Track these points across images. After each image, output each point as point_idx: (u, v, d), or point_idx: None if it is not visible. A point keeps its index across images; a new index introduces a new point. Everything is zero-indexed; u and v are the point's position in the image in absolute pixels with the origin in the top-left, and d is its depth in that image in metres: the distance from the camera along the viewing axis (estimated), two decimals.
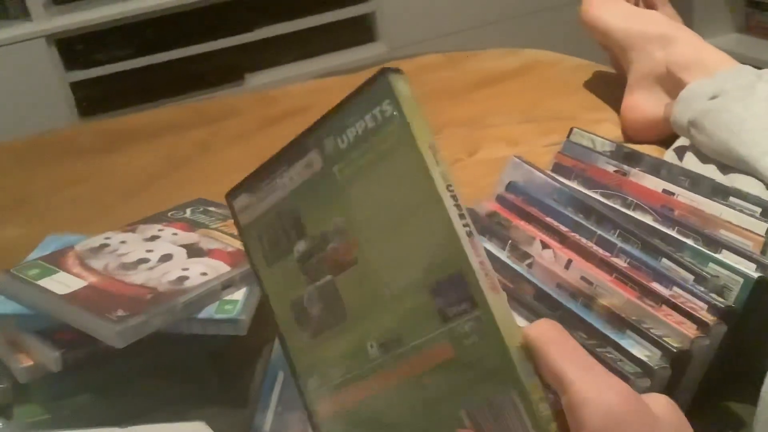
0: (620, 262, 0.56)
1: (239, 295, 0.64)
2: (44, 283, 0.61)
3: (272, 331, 0.67)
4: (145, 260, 0.65)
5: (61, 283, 0.61)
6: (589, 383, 0.31)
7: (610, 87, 1.02)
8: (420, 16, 1.97)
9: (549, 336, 0.33)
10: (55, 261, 0.64)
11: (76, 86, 1.83)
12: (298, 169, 0.39)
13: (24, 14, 1.80)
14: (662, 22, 0.93)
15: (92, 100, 1.85)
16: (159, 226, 0.71)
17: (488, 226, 0.61)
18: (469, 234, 0.34)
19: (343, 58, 1.93)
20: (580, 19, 0.98)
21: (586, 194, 0.63)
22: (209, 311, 0.62)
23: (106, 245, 0.68)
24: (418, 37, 1.95)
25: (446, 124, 0.99)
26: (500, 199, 0.64)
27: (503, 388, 0.32)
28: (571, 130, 0.72)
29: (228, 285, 0.64)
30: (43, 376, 0.61)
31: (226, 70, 1.91)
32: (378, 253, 0.36)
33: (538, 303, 0.54)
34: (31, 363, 0.61)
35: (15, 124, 1.74)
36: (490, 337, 0.33)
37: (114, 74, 1.85)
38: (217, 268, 0.65)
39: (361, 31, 1.98)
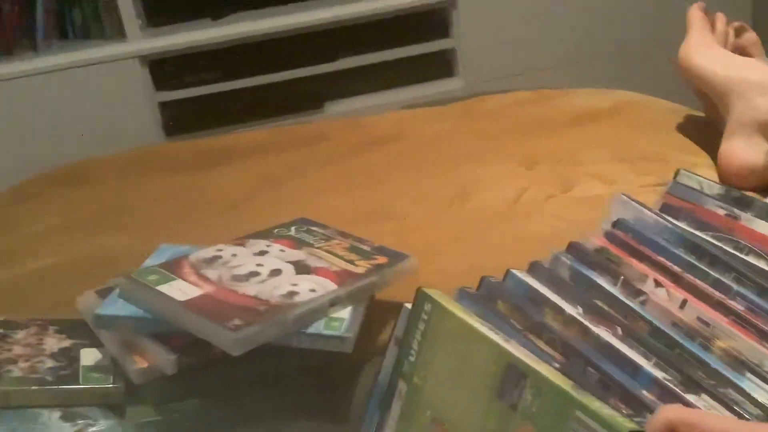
0: (737, 305, 0.55)
1: (345, 313, 0.66)
2: (163, 289, 0.64)
3: (371, 351, 0.68)
4: (255, 273, 0.68)
5: (179, 290, 0.64)
6: None
7: (703, 131, 1.02)
8: (499, 54, 1.99)
9: (696, 413, 0.37)
10: (172, 269, 0.67)
11: (163, 106, 1.90)
12: (395, 406, 0.54)
13: (120, 34, 1.89)
14: (763, 70, 0.93)
15: (177, 120, 1.92)
16: (266, 242, 0.74)
17: (598, 261, 0.61)
18: (506, 340, 0.47)
19: (421, 92, 1.96)
20: (679, 65, 0.98)
21: (698, 236, 0.63)
22: (317, 327, 0.64)
23: (218, 257, 0.70)
24: (496, 74, 1.97)
25: (538, 159, 1.00)
26: (609, 236, 0.64)
27: (569, 413, 0.40)
28: (678, 171, 0.72)
29: (335, 303, 0.66)
30: (155, 379, 0.63)
31: (306, 98, 1.96)
32: (459, 411, 0.48)
33: (655, 341, 0.54)
34: (145, 365, 0.63)
35: (104, 139, 1.81)
36: (543, 388, 0.42)
37: (197, 96, 1.91)
38: (325, 285, 0.67)
39: (439, 65, 2.01)
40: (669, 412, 0.39)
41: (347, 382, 0.68)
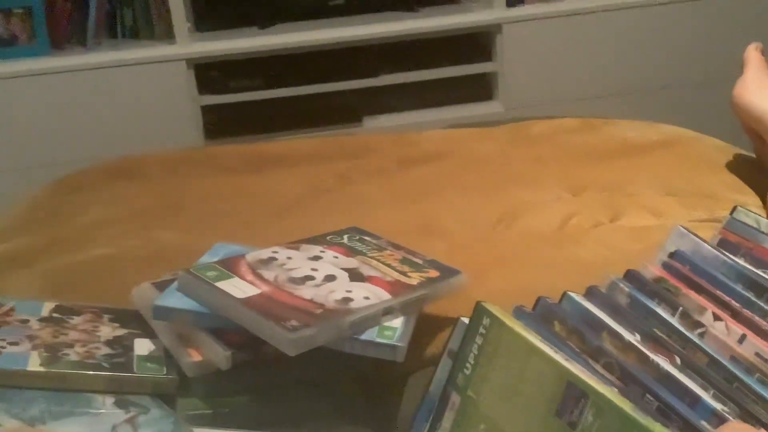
0: None
1: (397, 323, 0.67)
2: (222, 285, 0.65)
3: (417, 363, 0.69)
4: (311, 277, 0.69)
5: (238, 288, 0.65)
6: None
7: (752, 171, 1.02)
8: (540, 81, 2.00)
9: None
10: (230, 267, 0.68)
11: (204, 109, 1.93)
12: (447, 418, 0.54)
13: (169, 37, 1.92)
14: None
15: (216, 124, 1.94)
16: (320, 248, 0.75)
17: (656, 291, 0.62)
18: (567, 359, 0.47)
19: (458, 113, 1.98)
20: (733, 102, 0.98)
21: (757, 273, 0.63)
22: (370, 334, 0.64)
23: (274, 258, 0.71)
24: (535, 101, 1.98)
25: (586, 187, 1.00)
26: (666, 266, 0.64)
27: None
28: (735, 207, 0.72)
29: (388, 312, 0.67)
30: (208, 373, 0.64)
31: (345, 111, 1.98)
32: (514, 426, 0.50)
33: (713, 373, 0.54)
34: (200, 359, 0.64)
35: (145, 137, 1.85)
36: (605, 409, 0.43)
37: (238, 102, 1.94)
38: (378, 294, 0.68)
39: (478, 88, 2.03)
40: (743, 429, 0.39)
41: (393, 392, 0.68)
